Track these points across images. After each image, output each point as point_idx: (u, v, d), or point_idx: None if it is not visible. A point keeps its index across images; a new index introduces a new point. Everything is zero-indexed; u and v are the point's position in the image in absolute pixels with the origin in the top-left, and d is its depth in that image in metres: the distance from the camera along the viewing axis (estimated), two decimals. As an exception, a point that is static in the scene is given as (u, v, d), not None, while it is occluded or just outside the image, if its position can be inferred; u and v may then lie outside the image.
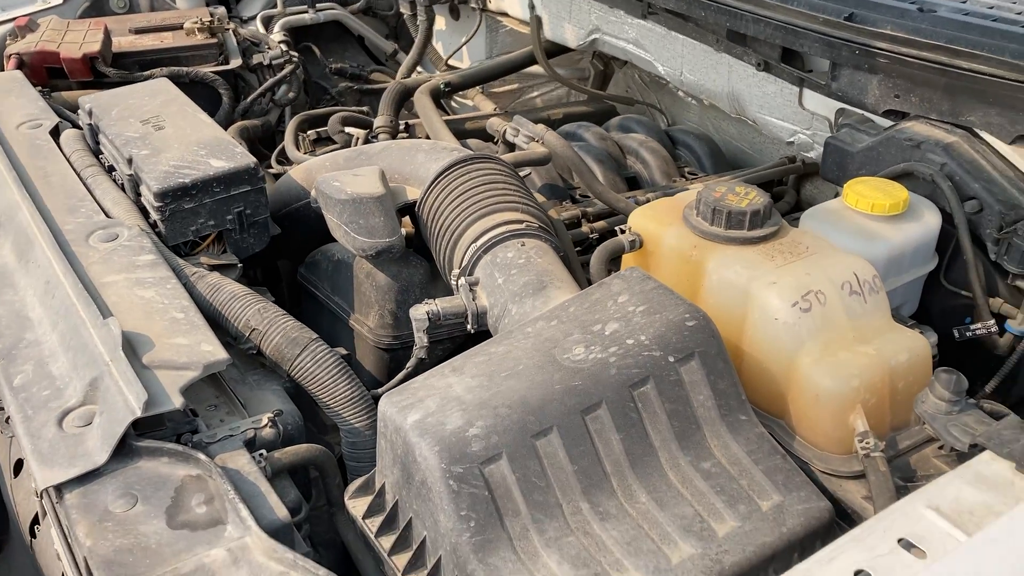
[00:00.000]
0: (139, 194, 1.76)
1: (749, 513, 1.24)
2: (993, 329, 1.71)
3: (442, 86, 2.79)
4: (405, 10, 3.22)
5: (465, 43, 3.18)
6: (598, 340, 1.34)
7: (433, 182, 1.79)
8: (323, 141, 2.79)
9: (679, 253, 1.58)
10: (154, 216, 1.71)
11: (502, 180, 1.77)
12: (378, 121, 2.66)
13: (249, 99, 2.82)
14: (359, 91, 3.44)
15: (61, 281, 1.49)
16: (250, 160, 1.76)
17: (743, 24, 1.99)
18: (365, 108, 2.90)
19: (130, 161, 1.77)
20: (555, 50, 3.00)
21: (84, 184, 1.81)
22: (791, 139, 2.23)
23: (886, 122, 1.92)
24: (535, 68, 3.29)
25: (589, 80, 3.21)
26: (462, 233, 1.69)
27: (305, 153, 2.66)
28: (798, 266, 1.48)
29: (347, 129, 2.66)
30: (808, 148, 2.20)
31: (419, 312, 1.56)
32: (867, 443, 1.31)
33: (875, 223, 1.67)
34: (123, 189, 1.81)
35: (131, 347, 1.34)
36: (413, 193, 1.88)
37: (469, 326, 1.58)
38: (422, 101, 2.66)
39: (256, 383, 1.52)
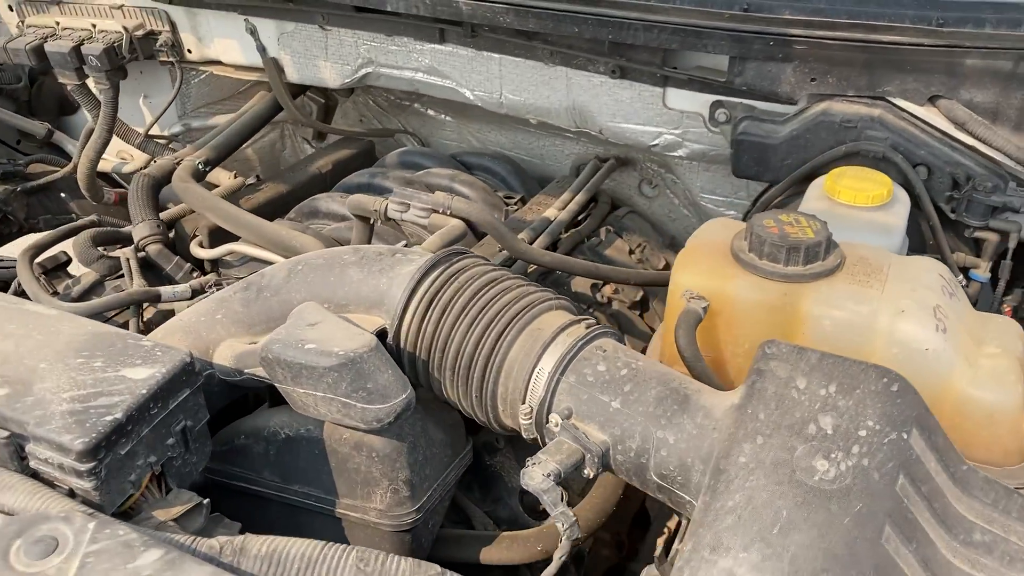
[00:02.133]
0: (23, 458, 1.11)
1: (1051, 572, 1.12)
2: (964, 283, 1.76)
3: (200, 166, 2.23)
4: (68, 80, 2.51)
5: (170, 104, 2.57)
6: (832, 445, 1.11)
7: (409, 301, 1.38)
8: (55, 272, 2.09)
9: (765, 305, 1.37)
10: (76, 483, 1.09)
11: (499, 276, 1.42)
12: (141, 230, 2.06)
13: (-72, 246, 2.01)
14: (24, 192, 2.66)
15: (37, 658, 0.88)
16: (182, 354, 1.20)
17: (630, 34, 1.80)
18: (94, 217, 2.21)
19: (-17, 413, 1.11)
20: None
21: (-101, 472, 1.10)
22: (655, 142, 2.10)
23: (783, 109, 1.88)
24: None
25: (312, 115, 2.79)
26: (503, 358, 1.32)
27: (51, 295, 1.96)
28: (897, 286, 1.36)
29: (103, 250, 2.01)
30: (676, 147, 2.09)
31: (539, 482, 1.17)
32: (1073, 447, 1.25)
33: (877, 214, 1.61)
34: (-24, 458, 1.14)
35: None
36: (365, 321, 1.43)
37: (589, 471, 1.23)
38: (195, 191, 2.09)
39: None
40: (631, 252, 2.32)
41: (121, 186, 2.87)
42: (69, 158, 2.86)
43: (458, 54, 2.18)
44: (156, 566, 0.98)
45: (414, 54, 2.24)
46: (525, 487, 1.19)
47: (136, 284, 1.96)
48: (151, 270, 2.07)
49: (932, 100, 1.77)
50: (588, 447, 1.22)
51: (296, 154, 3.04)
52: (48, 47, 2.49)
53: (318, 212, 2.21)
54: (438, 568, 1.10)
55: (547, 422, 1.26)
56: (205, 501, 1.23)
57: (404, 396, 1.30)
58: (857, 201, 1.61)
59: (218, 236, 2.15)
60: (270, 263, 2.00)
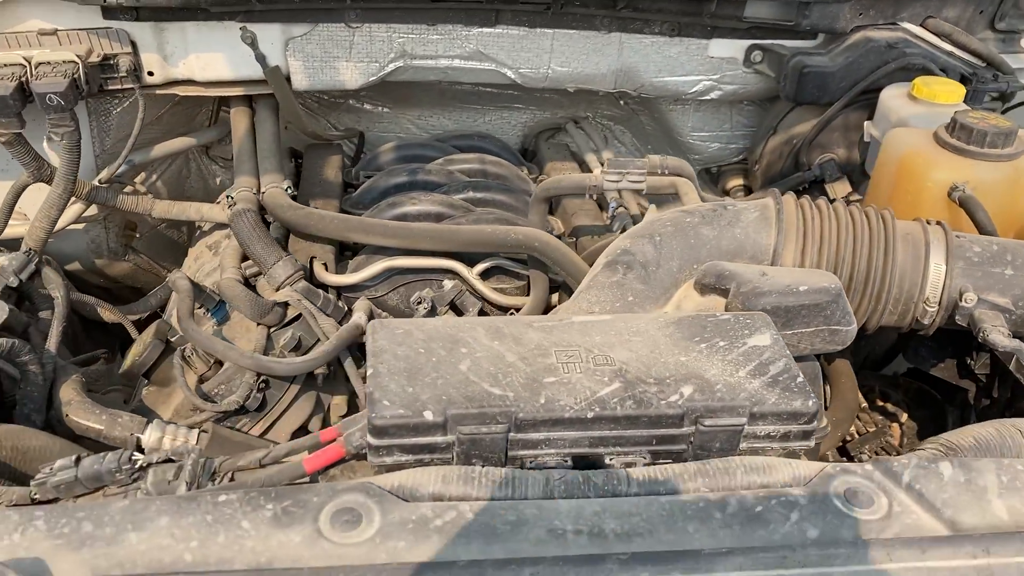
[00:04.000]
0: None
1: None
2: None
3: (286, 190, 2.02)
4: (2, 130, 2.04)
5: (135, 138, 2.18)
6: None
7: (785, 239, 1.56)
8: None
9: (1001, 181, 1.78)
10: (799, 446, 1.15)
11: (830, 201, 1.65)
12: (283, 270, 1.88)
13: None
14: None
15: None
16: (764, 317, 1.27)
17: (735, -10, 2.06)
18: (184, 273, 1.89)
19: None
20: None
21: None
22: (693, 89, 2.38)
23: (803, 44, 2.29)
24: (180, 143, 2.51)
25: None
26: (894, 264, 1.56)
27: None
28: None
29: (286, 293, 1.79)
30: (710, 91, 2.39)
31: (1009, 342, 1.47)
32: None
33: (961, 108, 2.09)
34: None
35: None
36: (738, 269, 1.57)
37: (1006, 329, 1.55)
38: (329, 215, 1.93)
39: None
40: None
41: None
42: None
43: (508, 35, 2.23)
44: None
45: (457, 41, 2.23)
46: (1003, 349, 1.48)
47: (325, 324, 1.78)
48: (297, 310, 1.87)
49: (923, 21, 2.29)
50: (1005, 309, 1.54)
51: (203, 178, 2.74)
52: (-26, 92, 2.00)
53: (407, 216, 2.13)
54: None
55: (961, 301, 1.55)
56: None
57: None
58: (951, 100, 2.07)
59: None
60: (436, 270, 1.95)
